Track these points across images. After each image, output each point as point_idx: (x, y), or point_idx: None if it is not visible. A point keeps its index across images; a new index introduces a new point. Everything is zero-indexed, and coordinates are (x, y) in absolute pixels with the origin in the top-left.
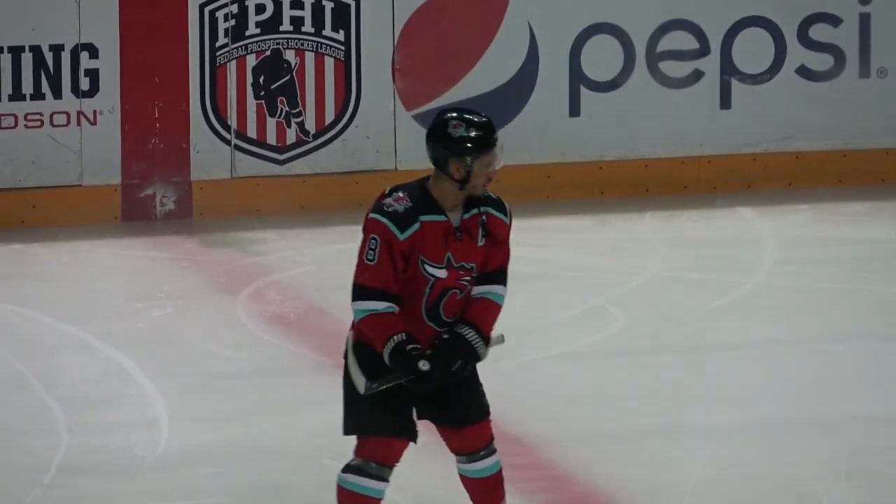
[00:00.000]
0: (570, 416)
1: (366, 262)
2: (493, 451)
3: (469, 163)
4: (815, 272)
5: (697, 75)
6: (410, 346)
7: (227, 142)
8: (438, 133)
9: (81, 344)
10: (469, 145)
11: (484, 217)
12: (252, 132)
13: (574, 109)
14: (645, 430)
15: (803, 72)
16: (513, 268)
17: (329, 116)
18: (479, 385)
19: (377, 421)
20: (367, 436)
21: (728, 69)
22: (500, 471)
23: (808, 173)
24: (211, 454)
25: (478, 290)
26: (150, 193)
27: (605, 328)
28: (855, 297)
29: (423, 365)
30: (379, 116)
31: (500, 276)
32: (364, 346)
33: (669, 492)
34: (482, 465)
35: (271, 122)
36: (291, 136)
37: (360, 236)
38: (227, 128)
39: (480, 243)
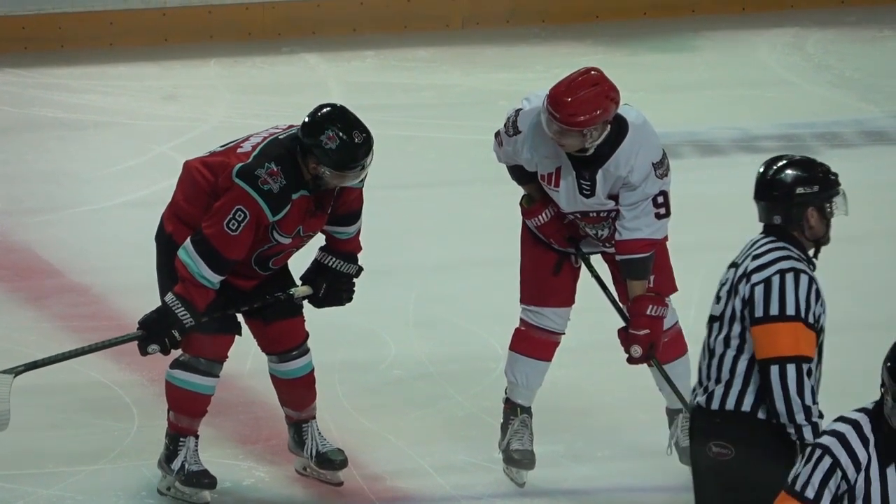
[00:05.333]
0: (136, 265)
1: (226, 228)
2: (306, 352)
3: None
4: (383, 119)
5: None
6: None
7: None
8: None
9: None
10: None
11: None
12: None
13: None
14: None
15: None
16: (77, 116)
17: None
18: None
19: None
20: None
21: None
22: (312, 372)
23: (373, 20)
24: None
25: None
26: None
27: (173, 175)
28: (421, 143)
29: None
30: None
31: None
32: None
33: None
34: (294, 366)
35: None
36: None
37: None
38: None
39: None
